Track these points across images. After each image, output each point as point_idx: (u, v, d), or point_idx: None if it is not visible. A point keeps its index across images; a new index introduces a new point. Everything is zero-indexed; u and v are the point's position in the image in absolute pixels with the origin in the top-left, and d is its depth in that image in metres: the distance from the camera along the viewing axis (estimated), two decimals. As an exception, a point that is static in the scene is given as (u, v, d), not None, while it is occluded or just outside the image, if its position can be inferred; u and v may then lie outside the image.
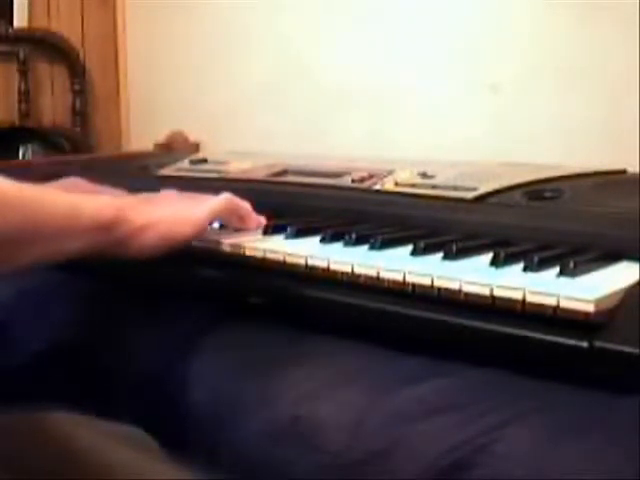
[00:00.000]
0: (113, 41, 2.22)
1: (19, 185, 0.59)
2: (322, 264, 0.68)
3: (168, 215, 0.69)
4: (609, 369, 0.52)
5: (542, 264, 0.61)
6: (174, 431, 0.67)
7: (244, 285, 0.74)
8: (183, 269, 0.77)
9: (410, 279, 0.62)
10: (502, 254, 0.64)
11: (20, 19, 2.09)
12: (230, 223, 0.78)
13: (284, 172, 1.00)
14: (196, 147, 1.92)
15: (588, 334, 0.52)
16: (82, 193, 0.84)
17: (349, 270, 0.66)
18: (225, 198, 0.75)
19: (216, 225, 0.82)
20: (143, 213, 0.68)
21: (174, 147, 1.91)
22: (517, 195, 0.79)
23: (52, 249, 0.62)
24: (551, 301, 0.55)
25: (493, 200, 0.79)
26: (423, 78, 1.54)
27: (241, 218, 0.78)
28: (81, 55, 2.18)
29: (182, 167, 1.12)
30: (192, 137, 1.96)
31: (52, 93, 2.18)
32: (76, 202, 0.64)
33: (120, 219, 0.65)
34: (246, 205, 0.78)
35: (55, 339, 0.82)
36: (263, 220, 0.79)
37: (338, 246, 0.73)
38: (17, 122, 2.08)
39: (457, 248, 0.67)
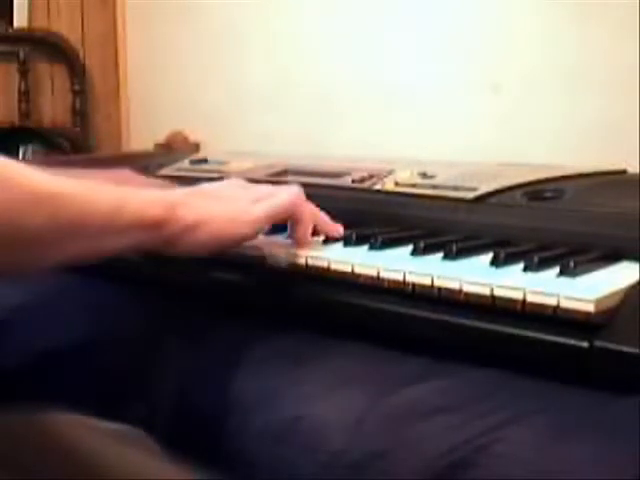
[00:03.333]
0: (113, 41, 2.23)
1: (52, 179, 0.56)
2: (322, 264, 0.68)
3: (222, 212, 0.65)
4: (609, 369, 0.52)
5: (542, 264, 0.61)
6: (175, 431, 0.67)
7: (244, 285, 0.74)
8: (184, 269, 0.77)
9: (410, 279, 0.62)
10: (502, 254, 0.64)
11: (20, 19, 2.09)
12: (293, 228, 0.70)
13: (284, 172, 1.00)
14: (196, 147, 1.92)
15: (588, 334, 0.52)
16: (133, 185, 0.83)
17: (349, 270, 0.66)
18: (292, 198, 0.69)
19: None
20: (194, 210, 0.63)
21: (174, 147, 1.91)
22: (517, 195, 0.79)
23: (89, 247, 0.59)
24: (551, 301, 0.55)
25: (493, 200, 0.79)
26: (423, 78, 1.54)
27: (300, 221, 0.69)
28: (81, 55, 2.18)
29: (182, 167, 1.12)
30: (192, 137, 1.96)
31: (52, 93, 2.18)
32: (121, 197, 0.60)
33: (169, 217, 0.61)
34: (308, 212, 0.70)
35: (56, 339, 0.82)
36: (340, 228, 0.74)
37: (338, 246, 0.73)
38: (17, 122, 2.09)
39: (457, 248, 0.67)
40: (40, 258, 0.57)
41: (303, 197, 0.70)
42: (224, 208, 0.65)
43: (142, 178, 0.81)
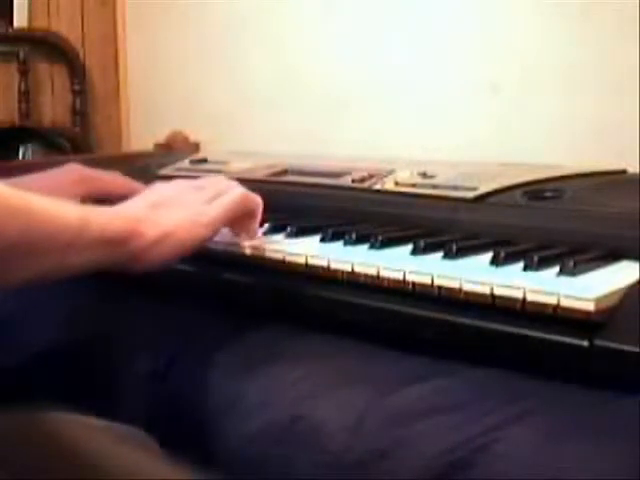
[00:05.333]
0: (113, 41, 2.22)
1: (24, 194, 0.56)
2: (322, 263, 0.68)
3: (181, 220, 0.66)
4: (609, 368, 0.52)
5: (542, 263, 0.61)
6: (174, 431, 0.67)
7: (244, 285, 0.74)
8: (184, 269, 0.77)
9: (410, 278, 0.62)
10: (502, 253, 0.64)
11: (20, 19, 2.09)
12: (240, 220, 0.73)
13: (284, 172, 1.00)
14: (196, 147, 1.92)
15: (588, 333, 0.52)
16: (79, 179, 0.84)
17: (349, 269, 0.66)
18: (241, 195, 0.71)
19: None
20: (157, 224, 0.64)
21: (174, 147, 1.91)
22: (517, 195, 0.79)
23: (58, 262, 0.59)
24: (551, 300, 0.55)
25: (493, 200, 0.79)
26: (423, 78, 1.54)
27: (252, 214, 0.73)
28: (81, 55, 2.17)
29: (182, 167, 1.12)
30: (192, 137, 1.96)
31: (52, 93, 2.18)
32: (85, 214, 0.61)
33: (132, 233, 0.62)
34: (258, 201, 0.73)
35: (55, 339, 0.82)
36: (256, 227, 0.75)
37: (338, 245, 0.73)
38: (17, 122, 2.08)
39: (457, 247, 0.67)
40: (11, 272, 0.56)
41: (249, 193, 0.72)
42: (182, 215, 0.66)
43: (89, 170, 0.82)
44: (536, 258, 0.61)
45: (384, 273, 0.64)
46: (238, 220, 0.73)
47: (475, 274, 0.60)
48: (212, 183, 0.73)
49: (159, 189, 0.71)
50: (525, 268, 0.62)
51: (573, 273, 0.59)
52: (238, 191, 0.71)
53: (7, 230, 0.53)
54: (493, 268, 0.63)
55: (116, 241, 0.61)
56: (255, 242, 0.74)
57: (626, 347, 0.50)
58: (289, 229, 0.77)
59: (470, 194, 0.80)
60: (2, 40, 2.08)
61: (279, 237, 0.77)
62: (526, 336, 0.55)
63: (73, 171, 0.86)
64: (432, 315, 0.60)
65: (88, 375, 0.78)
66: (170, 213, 0.66)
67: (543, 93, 1.36)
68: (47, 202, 0.58)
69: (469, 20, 1.47)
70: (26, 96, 2.09)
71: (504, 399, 0.55)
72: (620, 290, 0.56)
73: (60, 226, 0.58)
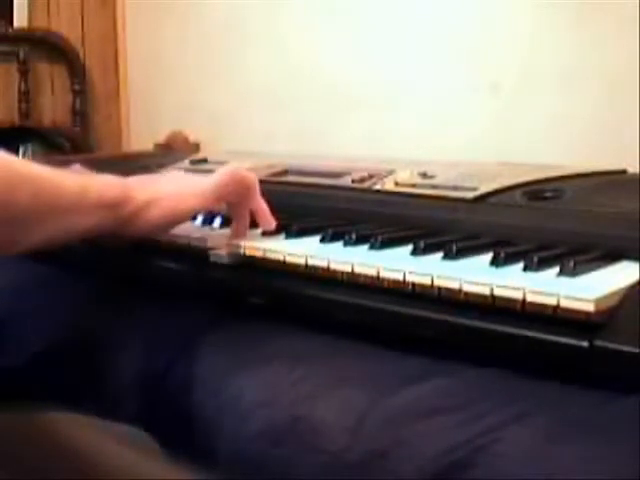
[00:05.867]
0: (113, 41, 2.23)
1: (29, 162, 0.61)
2: (322, 264, 0.68)
3: (171, 190, 0.70)
4: (609, 369, 0.52)
5: (542, 264, 0.61)
6: (174, 431, 0.67)
7: (244, 285, 0.74)
8: (184, 269, 0.77)
9: (410, 279, 0.62)
10: (502, 254, 0.64)
11: (20, 19, 2.09)
12: (235, 197, 0.75)
13: (284, 172, 1.00)
14: (196, 147, 1.92)
15: (588, 334, 0.52)
16: None
17: (349, 270, 0.66)
18: (230, 170, 0.74)
19: (216, 224, 0.82)
20: (147, 190, 0.68)
21: (174, 147, 1.91)
22: (517, 195, 0.79)
23: (62, 226, 0.63)
24: (551, 301, 0.55)
25: (493, 200, 0.79)
26: (423, 78, 1.54)
27: (247, 190, 0.74)
28: (81, 55, 2.18)
29: (182, 167, 1.12)
30: (192, 137, 1.96)
31: (52, 93, 2.18)
32: (83, 181, 0.65)
33: (124, 197, 0.66)
34: (252, 177, 0.75)
35: (55, 339, 0.82)
36: (264, 206, 0.76)
37: (338, 246, 0.73)
38: (17, 122, 2.09)
39: (457, 248, 0.67)
40: (24, 236, 0.61)
41: (240, 169, 0.75)
42: (174, 187, 0.71)
43: (93, 174, 0.84)
44: (536, 258, 0.61)
45: (384, 274, 0.64)
46: (233, 199, 0.74)
47: (475, 275, 0.60)
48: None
49: (156, 175, 0.78)
50: (525, 268, 0.62)
51: (573, 273, 0.59)
52: (230, 166, 0.75)
53: (19, 196, 0.58)
54: (493, 268, 0.63)
55: (112, 205, 0.66)
56: (255, 242, 0.74)
57: (626, 347, 0.50)
58: (289, 229, 0.77)
59: (470, 194, 0.80)
60: (2, 40, 2.08)
61: (279, 237, 0.77)
62: (526, 336, 0.55)
63: (78, 172, 0.87)
64: (432, 315, 0.60)
65: (88, 375, 0.78)
66: (161, 184, 0.71)
67: (543, 93, 1.36)
68: (49, 170, 0.63)
69: (469, 20, 1.47)
70: (26, 96, 2.09)
71: (504, 399, 0.54)
72: (620, 290, 0.56)
73: (63, 192, 0.63)
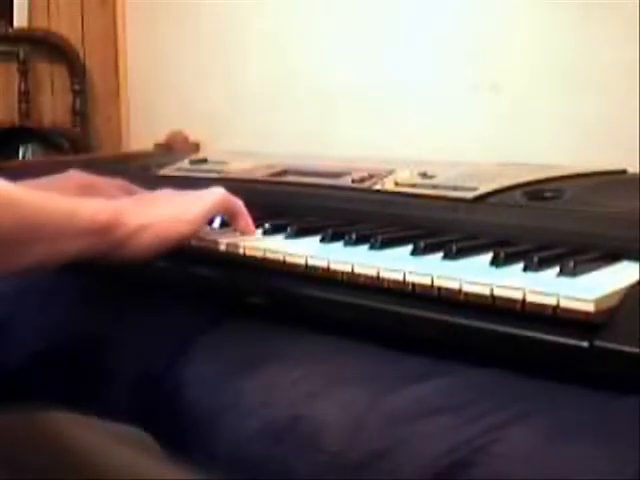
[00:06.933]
0: (113, 41, 2.22)
1: (17, 187, 0.60)
2: (322, 264, 0.68)
3: (163, 215, 0.70)
4: (609, 369, 0.52)
5: (542, 264, 0.61)
6: (174, 431, 0.67)
7: (244, 285, 0.74)
8: (184, 269, 0.77)
9: (410, 279, 0.62)
10: (502, 254, 0.64)
11: (20, 19, 2.09)
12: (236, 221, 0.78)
13: (284, 172, 1.00)
14: (196, 147, 1.92)
15: (588, 334, 0.52)
16: (80, 185, 0.86)
17: (349, 270, 0.66)
18: (221, 195, 0.75)
19: (216, 224, 0.82)
20: (138, 215, 0.68)
21: (174, 147, 1.91)
22: (517, 195, 0.79)
23: (51, 250, 0.63)
24: (551, 301, 0.55)
25: (493, 200, 0.79)
26: (423, 78, 1.54)
27: (234, 215, 0.77)
28: (81, 55, 2.17)
29: (182, 167, 1.12)
30: (192, 137, 1.96)
31: (52, 93, 2.18)
32: (73, 205, 0.65)
33: (115, 222, 0.66)
34: (239, 203, 0.77)
35: (55, 339, 0.82)
36: (251, 223, 0.78)
37: (338, 246, 0.73)
38: (17, 122, 2.08)
39: (457, 248, 0.67)
40: (11, 260, 0.60)
41: (229, 195, 0.76)
42: (165, 211, 0.71)
43: (89, 177, 0.85)
44: (536, 259, 0.61)
45: (384, 274, 0.64)
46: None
47: (475, 275, 0.60)
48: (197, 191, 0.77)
49: (149, 192, 0.77)
50: (525, 269, 0.62)
51: (573, 274, 0.59)
52: (219, 191, 0.75)
53: (4, 221, 0.58)
54: (493, 269, 0.63)
55: (102, 230, 0.65)
56: (255, 242, 0.74)
57: (626, 347, 0.50)
58: (289, 229, 0.77)
59: (470, 194, 0.80)
60: (2, 40, 2.08)
61: (279, 237, 0.77)
62: (526, 337, 0.55)
63: (74, 177, 0.87)
64: (432, 315, 0.60)
65: (88, 375, 0.78)
66: (153, 208, 0.71)
67: (543, 93, 1.36)
68: (38, 194, 0.62)
69: (469, 20, 1.47)
70: (26, 96, 2.09)
71: (504, 399, 0.55)
72: (620, 290, 0.56)
73: (51, 216, 0.62)
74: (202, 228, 0.74)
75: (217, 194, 0.75)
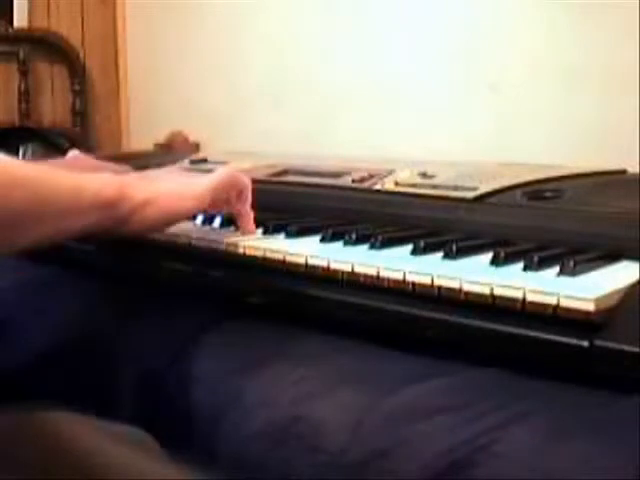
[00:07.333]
0: (113, 41, 2.23)
1: (24, 164, 0.61)
2: (322, 264, 0.68)
3: (168, 190, 0.70)
4: (610, 368, 0.52)
5: (542, 263, 0.61)
6: (174, 431, 0.67)
7: (244, 285, 0.74)
8: (184, 269, 0.77)
9: (410, 278, 0.62)
10: (502, 253, 0.64)
11: (20, 19, 2.09)
12: (229, 199, 0.77)
13: (284, 172, 1.00)
14: (196, 147, 1.92)
15: (588, 333, 0.52)
16: (84, 167, 0.86)
17: (349, 269, 0.66)
18: (226, 172, 0.75)
19: (216, 224, 0.82)
20: (143, 189, 0.68)
21: (174, 147, 1.91)
22: (517, 195, 0.79)
23: (58, 227, 0.63)
24: (551, 300, 0.55)
25: (493, 200, 0.79)
26: (423, 78, 1.54)
27: (240, 194, 0.76)
28: (81, 55, 2.18)
29: (182, 167, 1.12)
30: (192, 137, 1.96)
31: (52, 93, 2.18)
32: (79, 181, 0.65)
33: (121, 197, 0.66)
34: (246, 180, 0.76)
35: (55, 339, 0.82)
36: (250, 214, 0.78)
37: (338, 246, 0.73)
38: (17, 122, 2.08)
39: (457, 247, 0.67)
40: (20, 237, 0.60)
41: (235, 172, 0.76)
42: (170, 186, 0.71)
43: (93, 160, 0.85)
44: (536, 258, 0.61)
45: (384, 273, 0.64)
46: (228, 200, 0.76)
47: (475, 274, 0.60)
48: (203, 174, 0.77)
49: (150, 171, 0.78)
50: (525, 268, 0.62)
51: (573, 273, 0.59)
52: (225, 169, 0.76)
53: (15, 198, 0.57)
54: (493, 268, 0.63)
55: (108, 205, 0.65)
56: (255, 242, 0.74)
57: (626, 347, 0.50)
58: (289, 229, 0.77)
59: (470, 194, 0.80)
60: (2, 40, 2.08)
61: (279, 237, 0.77)
62: (526, 336, 0.55)
63: (80, 159, 0.88)
64: (432, 315, 0.60)
65: (88, 375, 0.78)
66: (158, 183, 0.71)
67: (543, 93, 1.36)
68: (45, 171, 0.63)
69: (469, 20, 1.47)
70: (26, 96, 2.09)
71: (504, 399, 0.54)
72: (620, 290, 0.56)
73: (59, 193, 0.62)
74: (209, 204, 0.73)
75: (224, 171, 0.75)
